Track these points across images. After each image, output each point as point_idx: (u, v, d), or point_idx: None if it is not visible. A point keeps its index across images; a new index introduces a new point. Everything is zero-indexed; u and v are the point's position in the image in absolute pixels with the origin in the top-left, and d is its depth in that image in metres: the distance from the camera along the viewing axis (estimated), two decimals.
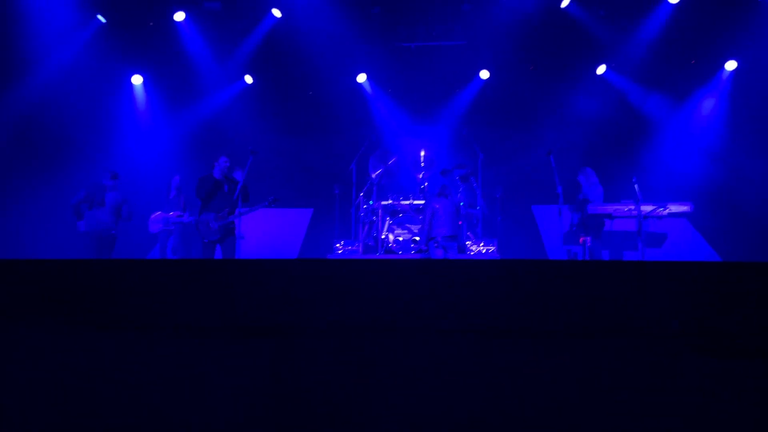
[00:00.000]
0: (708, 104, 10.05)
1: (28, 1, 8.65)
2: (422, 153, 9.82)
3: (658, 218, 8.77)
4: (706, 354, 2.57)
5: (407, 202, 9.18)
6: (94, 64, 9.65)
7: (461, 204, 8.91)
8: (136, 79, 10.49)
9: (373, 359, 2.39)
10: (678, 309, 2.63)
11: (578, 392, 2.45)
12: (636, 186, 8.10)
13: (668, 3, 9.31)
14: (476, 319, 2.48)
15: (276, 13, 9.94)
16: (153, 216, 9.25)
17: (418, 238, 8.77)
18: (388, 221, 9.11)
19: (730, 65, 9.74)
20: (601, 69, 10.23)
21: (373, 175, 9.75)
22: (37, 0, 8.68)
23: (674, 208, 8.60)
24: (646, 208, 8.30)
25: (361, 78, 10.83)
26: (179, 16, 9.87)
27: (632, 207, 8.25)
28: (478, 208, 9.62)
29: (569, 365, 2.54)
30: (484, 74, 10.59)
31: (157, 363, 2.66)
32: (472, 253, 9.02)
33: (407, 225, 8.99)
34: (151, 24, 9.94)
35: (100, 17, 9.62)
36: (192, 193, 9.56)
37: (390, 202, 9.23)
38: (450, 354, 2.40)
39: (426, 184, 9.59)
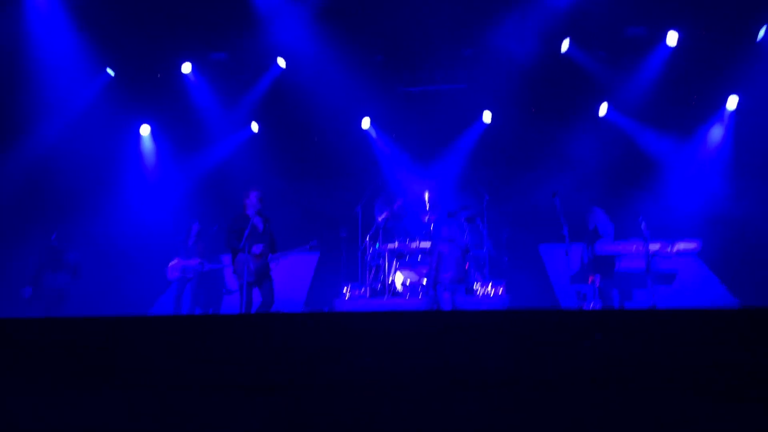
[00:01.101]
0: (715, 134, 10.04)
1: (39, 54, 8.86)
2: (426, 195, 9.87)
3: (667, 257, 8.71)
4: (720, 399, 2.52)
5: (414, 245, 9.18)
6: (104, 115, 9.82)
7: (467, 247, 8.88)
8: (144, 130, 10.66)
9: (377, 417, 2.35)
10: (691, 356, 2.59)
11: None
12: (642, 224, 8.08)
13: (666, 45, 9.44)
14: (481, 373, 2.44)
15: (281, 62, 10.14)
16: (171, 263, 9.26)
17: (425, 281, 8.72)
18: (394, 264, 9.09)
19: (732, 101, 9.80)
20: (603, 109, 10.31)
21: (379, 219, 9.79)
22: (48, 54, 8.89)
23: (682, 246, 8.55)
24: (654, 247, 8.25)
25: (365, 123, 10.96)
26: (186, 67, 10.10)
27: (640, 246, 8.21)
28: (484, 249, 9.60)
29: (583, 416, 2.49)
30: (487, 116, 10.69)
31: (158, 420, 2.63)
32: (479, 295, 8.96)
33: (414, 268, 8.96)
34: (159, 76, 10.16)
35: (109, 70, 9.84)
36: (210, 241, 9.65)
37: (396, 245, 9.24)
38: (455, 411, 2.36)
39: (432, 226, 9.60)
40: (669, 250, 8.05)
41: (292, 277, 10.43)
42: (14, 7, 8.39)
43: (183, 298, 9.27)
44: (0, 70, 8.40)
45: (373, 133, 11.12)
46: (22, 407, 2.71)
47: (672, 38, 9.37)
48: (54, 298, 8.52)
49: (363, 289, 9.24)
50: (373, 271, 9.49)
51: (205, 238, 9.61)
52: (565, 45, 9.69)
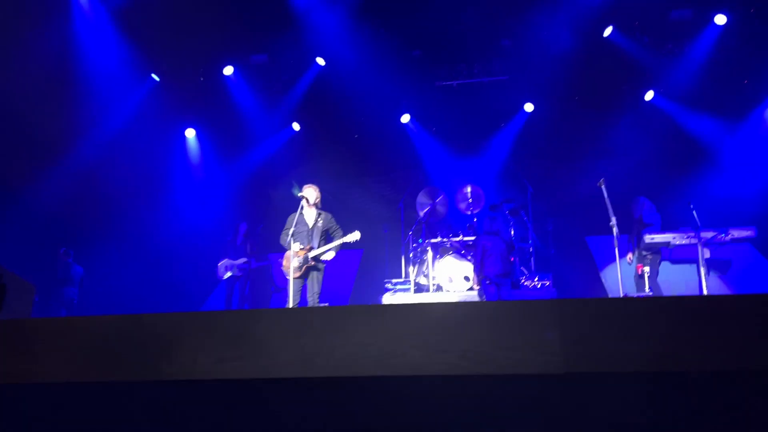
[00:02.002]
0: None
1: (87, 63, 9.15)
2: (468, 189, 9.80)
3: (720, 244, 8.43)
4: None
5: (457, 239, 9.13)
6: (150, 120, 10.10)
7: (512, 239, 8.79)
8: (190, 133, 10.91)
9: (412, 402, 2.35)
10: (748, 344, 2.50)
11: None
12: (694, 211, 7.84)
13: (715, 24, 9.10)
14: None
15: (320, 61, 10.23)
16: (221, 263, 9.55)
17: (471, 276, 8.66)
18: (438, 259, 9.05)
19: None
20: (649, 95, 10.03)
21: (421, 214, 9.76)
22: (95, 62, 9.18)
23: (737, 234, 8.26)
24: (707, 235, 8.00)
25: (405, 119, 10.95)
26: (228, 70, 10.28)
27: (692, 234, 7.98)
28: (530, 242, 9.48)
29: None
30: (529, 107, 10.54)
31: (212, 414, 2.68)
32: (528, 287, 8.86)
33: (458, 262, 8.90)
34: (202, 79, 10.37)
35: (154, 76, 10.09)
36: (257, 239, 9.87)
37: (439, 239, 9.20)
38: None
39: (475, 219, 9.53)
40: (723, 237, 7.79)
41: (337, 274, 10.51)
42: (63, 17, 8.68)
43: (233, 297, 9.50)
44: (50, 78, 8.69)
45: (413, 128, 11.10)
46: (74, 402, 2.80)
47: (720, 19, 9.04)
48: (63, 311, 8.91)
49: (407, 284, 9.23)
50: (417, 266, 9.49)
51: (253, 237, 9.82)
52: (608, 31, 9.47)
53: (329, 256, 6.91)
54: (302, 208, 7.02)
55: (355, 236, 6.85)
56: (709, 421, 2.38)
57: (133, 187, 9.97)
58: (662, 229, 8.22)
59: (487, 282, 7.92)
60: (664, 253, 8.39)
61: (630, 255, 8.42)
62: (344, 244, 6.93)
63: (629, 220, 8.45)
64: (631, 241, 8.37)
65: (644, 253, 8.20)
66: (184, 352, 2.56)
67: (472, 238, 9.01)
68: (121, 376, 2.71)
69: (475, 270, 8.19)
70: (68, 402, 2.80)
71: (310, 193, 7.10)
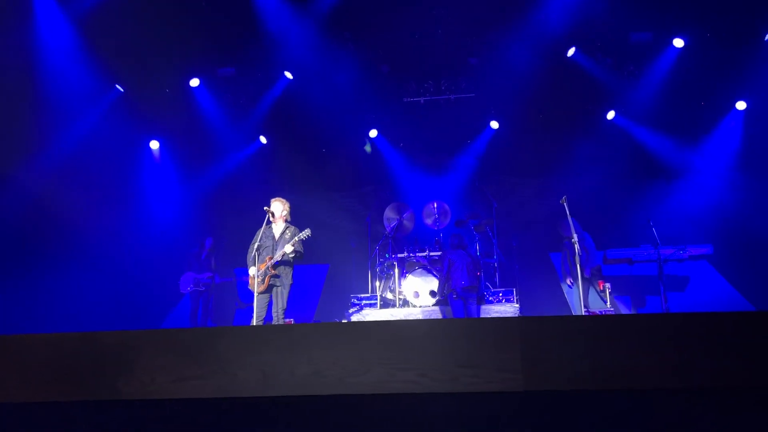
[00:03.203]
0: (725, 137, 9.91)
1: (50, 71, 8.95)
2: (435, 205, 9.88)
3: (679, 261, 8.67)
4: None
5: (423, 254, 9.18)
6: (113, 131, 9.90)
7: (478, 254, 8.88)
8: (154, 144, 10.74)
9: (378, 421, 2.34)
10: (712, 361, 2.57)
11: None
12: (654, 229, 8.05)
13: (674, 47, 9.39)
14: None
15: (288, 75, 10.22)
16: (184, 276, 9.42)
17: (437, 290, 8.70)
18: (405, 274, 9.07)
19: (741, 105, 9.74)
20: (610, 114, 10.28)
21: (388, 229, 9.79)
22: (58, 70, 8.98)
23: (694, 251, 8.50)
24: (666, 251, 8.22)
25: (373, 134, 11.00)
26: (194, 82, 10.19)
27: (651, 251, 8.19)
28: (494, 257, 9.57)
29: None
30: (494, 124, 10.69)
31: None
32: (492, 302, 8.92)
33: (424, 277, 8.94)
34: (168, 91, 10.24)
35: (118, 86, 9.94)
36: (221, 255, 9.75)
37: (406, 254, 9.24)
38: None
39: (441, 235, 9.60)
40: (681, 253, 8.01)
41: (303, 289, 10.45)
42: (25, 24, 8.49)
43: (197, 312, 9.36)
44: (12, 85, 8.48)
45: (376, 143, 11.13)
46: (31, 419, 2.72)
47: (678, 43, 9.35)
48: None
49: (373, 299, 9.22)
50: (383, 281, 9.49)
51: (217, 251, 9.71)
52: (571, 52, 9.70)
53: (288, 249, 6.73)
54: (268, 221, 6.98)
55: (305, 233, 6.82)
56: None
57: (95, 199, 9.75)
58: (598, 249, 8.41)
59: (454, 296, 7.97)
60: (624, 269, 8.59)
61: (569, 279, 8.54)
62: (302, 255, 6.86)
63: (594, 235, 8.59)
64: (569, 261, 8.39)
65: (598, 270, 8.37)
66: (142, 370, 2.52)
67: (439, 253, 9.09)
68: (76, 396, 2.65)
69: (440, 284, 8.24)
70: (21, 423, 2.71)
71: (277, 206, 7.05)
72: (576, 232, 7.49)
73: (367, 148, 6.57)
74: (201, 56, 9.90)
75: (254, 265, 6.81)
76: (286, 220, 7.08)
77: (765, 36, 9.01)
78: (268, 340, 2.66)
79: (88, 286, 9.38)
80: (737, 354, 2.39)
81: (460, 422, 2.55)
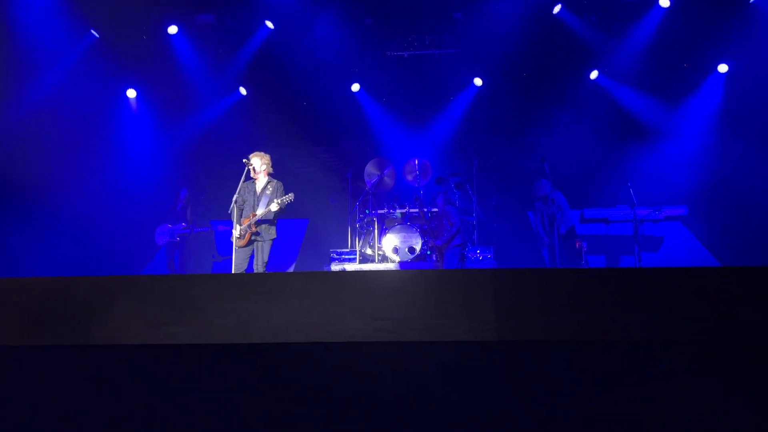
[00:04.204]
0: (706, 99, 9.93)
1: (22, 14, 8.63)
2: (416, 161, 9.85)
3: (654, 222, 8.80)
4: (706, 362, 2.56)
5: (402, 211, 9.20)
6: (89, 78, 9.63)
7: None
8: (131, 93, 10.48)
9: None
10: (674, 316, 2.62)
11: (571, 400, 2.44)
12: (631, 190, 8.14)
13: (660, 7, 9.33)
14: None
15: (269, 24, 9.97)
16: (159, 228, 9.36)
17: (416, 247, 8.76)
18: (385, 230, 9.11)
19: (722, 68, 9.75)
20: (593, 74, 10.25)
21: (369, 185, 9.77)
22: (31, 14, 8.67)
23: (669, 212, 8.63)
24: (642, 212, 8.33)
25: (355, 88, 10.84)
26: (172, 29, 9.89)
27: (628, 211, 8.29)
28: (473, 215, 9.63)
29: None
30: (478, 82, 10.60)
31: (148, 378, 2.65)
32: (470, 259, 9.02)
33: (404, 233, 8.98)
34: (145, 38, 9.94)
35: (93, 32, 9.62)
36: (197, 206, 9.67)
37: (386, 210, 9.26)
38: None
39: (421, 192, 9.61)
40: (657, 214, 8.13)
41: (283, 244, 10.44)
42: None
43: (174, 263, 9.34)
44: None
45: (361, 95, 11.01)
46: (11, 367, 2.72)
47: (664, 2, 9.27)
48: None
49: (353, 255, 9.26)
50: (363, 237, 9.53)
51: (194, 203, 9.63)
52: (557, 9, 9.59)
53: (273, 207, 6.70)
54: (248, 176, 6.92)
55: (289, 197, 6.76)
56: (630, 390, 2.51)
57: (69, 147, 9.55)
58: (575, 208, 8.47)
59: (462, 251, 8.13)
60: (601, 228, 8.71)
61: (578, 242, 8.46)
62: (283, 211, 6.84)
63: (572, 195, 8.64)
64: (542, 221, 8.40)
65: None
66: (115, 316, 2.51)
67: (416, 210, 9.16)
68: (49, 340, 2.63)
69: (441, 239, 8.30)
70: None
71: (256, 161, 6.98)
72: (546, 192, 7.54)
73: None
74: (179, 1, 9.60)
75: (237, 221, 6.79)
76: (268, 174, 7.02)
77: None
78: (245, 287, 2.66)
79: (63, 237, 9.29)
80: (701, 308, 2.45)
81: (434, 371, 2.59)
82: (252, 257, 6.85)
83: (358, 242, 9.48)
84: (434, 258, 8.69)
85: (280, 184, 6.98)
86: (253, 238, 6.78)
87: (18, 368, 2.67)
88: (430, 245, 8.74)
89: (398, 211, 9.19)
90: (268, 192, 6.88)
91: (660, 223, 9.04)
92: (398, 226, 8.98)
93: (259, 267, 6.78)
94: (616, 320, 2.46)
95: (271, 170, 7.07)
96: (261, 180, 6.99)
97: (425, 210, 9.21)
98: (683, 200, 9.24)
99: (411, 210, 9.22)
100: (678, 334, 2.52)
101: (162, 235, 9.38)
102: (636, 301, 2.59)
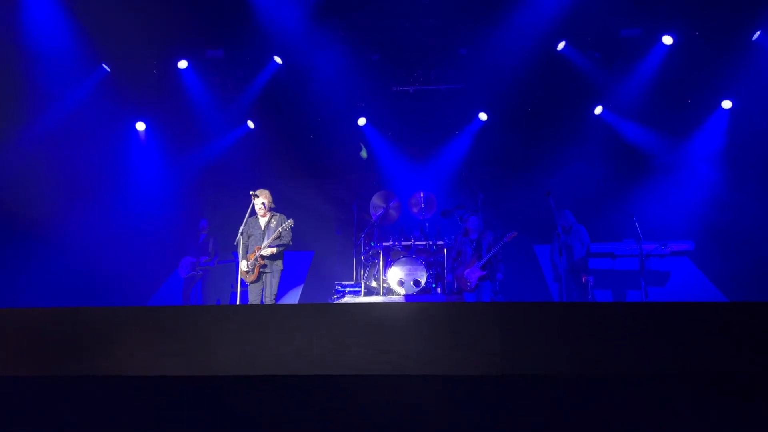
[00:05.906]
0: (710, 135, 9.98)
1: (36, 48, 8.81)
2: (421, 194, 9.89)
3: (660, 257, 8.76)
4: (708, 396, 2.53)
5: (408, 243, 9.20)
6: (99, 110, 9.77)
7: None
8: (140, 126, 10.62)
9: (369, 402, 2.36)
10: (680, 349, 2.61)
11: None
12: (636, 224, 8.13)
13: (663, 44, 9.46)
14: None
15: (277, 59, 10.14)
16: (183, 261, 9.46)
17: (422, 280, 8.74)
18: (389, 262, 9.09)
19: (726, 104, 9.83)
20: (598, 109, 10.34)
21: (374, 217, 9.79)
22: (44, 48, 8.84)
23: (676, 247, 8.60)
24: (648, 247, 8.31)
25: (362, 122, 10.97)
26: (182, 64, 10.08)
27: (634, 246, 8.27)
28: None
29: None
30: (483, 116, 10.71)
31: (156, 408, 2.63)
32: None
33: (409, 266, 8.96)
34: (155, 72, 10.13)
35: (105, 66, 9.80)
36: (218, 237, 9.76)
37: (391, 243, 9.26)
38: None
39: (426, 225, 9.62)
40: (663, 248, 8.11)
41: (288, 275, 10.44)
42: (11, 1, 8.35)
43: (191, 294, 9.39)
44: None
45: (365, 128, 11.12)
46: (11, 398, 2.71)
47: (667, 40, 9.42)
48: None
49: (357, 287, 9.23)
50: (368, 269, 9.51)
51: (215, 234, 9.76)
52: (561, 46, 9.73)
53: (267, 252, 6.85)
54: (253, 210, 7.04)
55: (289, 223, 6.92)
56: (638, 425, 2.48)
57: (78, 178, 9.63)
58: (605, 241, 8.46)
59: (468, 286, 8.01)
60: (607, 263, 8.67)
61: (585, 277, 8.31)
62: (289, 244, 6.95)
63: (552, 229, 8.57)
64: (560, 253, 8.25)
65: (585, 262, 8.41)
66: (120, 347, 2.51)
67: (424, 242, 9.16)
68: (54, 371, 2.63)
69: (459, 273, 8.19)
70: None
71: (259, 201, 7.08)
72: (571, 223, 7.57)
73: (363, 153, 6.62)
74: (190, 37, 9.80)
75: (243, 256, 6.89)
76: (270, 210, 7.13)
77: (753, 36, 9.09)
78: (250, 319, 2.67)
79: (70, 267, 9.30)
80: (708, 342, 2.43)
81: (439, 404, 2.57)
82: (264, 290, 6.93)
83: (363, 274, 9.46)
84: (454, 288, 8.55)
85: (282, 216, 7.11)
86: (261, 270, 6.86)
87: (23, 399, 2.67)
88: (461, 275, 8.42)
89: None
90: (272, 225, 7.02)
91: (666, 258, 8.99)
92: (403, 259, 8.97)
93: (268, 299, 6.81)
94: (622, 354, 2.45)
95: (272, 205, 7.19)
96: (264, 216, 7.10)
97: (430, 243, 9.21)
98: (690, 235, 9.22)
99: (416, 243, 9.22)
100: (686, 367, 2.50)
101: (185, 268, 9.46)
102: (642, 335, 2.58)
